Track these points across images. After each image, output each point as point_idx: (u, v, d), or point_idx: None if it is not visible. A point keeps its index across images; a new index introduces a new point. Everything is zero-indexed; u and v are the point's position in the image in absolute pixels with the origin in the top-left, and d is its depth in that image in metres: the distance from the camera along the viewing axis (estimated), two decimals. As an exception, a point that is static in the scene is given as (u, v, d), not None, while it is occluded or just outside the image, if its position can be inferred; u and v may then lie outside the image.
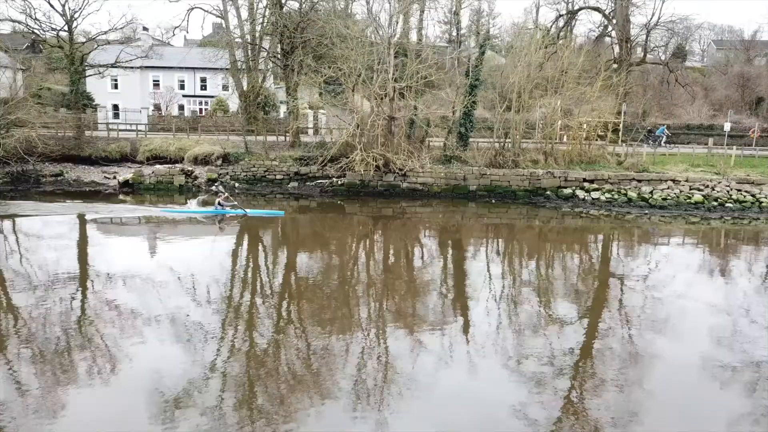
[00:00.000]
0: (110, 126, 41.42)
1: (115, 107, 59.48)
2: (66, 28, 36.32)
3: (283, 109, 44.40)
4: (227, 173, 33.46)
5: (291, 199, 32.30)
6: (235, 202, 26.61)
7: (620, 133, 46.31)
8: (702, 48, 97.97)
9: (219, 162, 33.96)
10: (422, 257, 22.12)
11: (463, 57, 39.38)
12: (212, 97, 56.02)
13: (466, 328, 14.14)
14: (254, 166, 33.68)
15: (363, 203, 31.37)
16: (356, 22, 33.11)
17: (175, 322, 13.80)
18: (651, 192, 30.71)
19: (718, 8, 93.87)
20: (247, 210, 26.50)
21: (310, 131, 41.78)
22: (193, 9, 40.37)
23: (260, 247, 23.69)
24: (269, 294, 17.16)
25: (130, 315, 14.18)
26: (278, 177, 33.56)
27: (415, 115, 33.18)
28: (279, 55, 35.34)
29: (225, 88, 50.75)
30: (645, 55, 47.61)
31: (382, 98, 30.28)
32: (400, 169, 31.47)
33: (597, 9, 45.90)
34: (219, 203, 25.91)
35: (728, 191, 30.64)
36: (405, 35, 64.92)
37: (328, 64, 31.39)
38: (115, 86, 62.62)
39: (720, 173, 32.60)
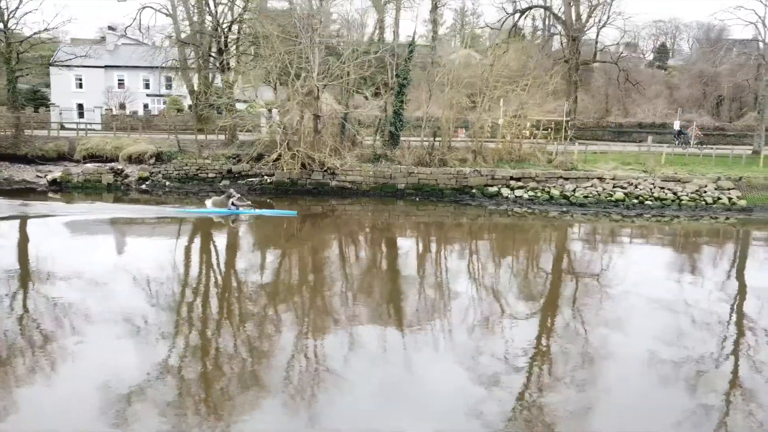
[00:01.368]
0: (53, 125, 41.80)
1: (80, 106, 59.65)
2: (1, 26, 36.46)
3: (239, 107, 44.66)
4: (159, 172, 33.67)
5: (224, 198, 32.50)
6: (249, 203, 26.86)
7: (566, 132, 46.73)
8: (690, 46, 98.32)
9: (152, 161, 34.19)
10: (355, 256, 22.12)
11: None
12: (182, 96, 56.21)
13: (401, 326, 14.09)
14: (186, 165, 33.92)
15: (292, 201, 31.53)
16: (284, 19, 33.16)
17: (118, 323, 13.68)
18: (574, 190, 30.95)
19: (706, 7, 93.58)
20: (260, 210, 26.76)
21: (264, 130, 42.04)
22: (144, 8, 40.59)
23: (196, 248, 23.37)
24: (201, 293, 17.01)
25: (77, 313, 14.17)
26: (210, 175, 33.78)
27: (346, 113, 33.45)
28: (215, 54, 35.49)
29: (168, 86, 50.92)
30: (595, 54, 47.84)
31: (306, 96, 30.48)
32: (327, 168, 31.69)
33: (546, 8, 46.16)
34: (233, 203, 26.14)
35: (651, 189, 30.87)
36: (380, 34, 65.78)
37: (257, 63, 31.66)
38: (80, 85, 62.95)
39: (647, 171, 32.85)
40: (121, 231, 24.90)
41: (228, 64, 34.20)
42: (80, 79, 62.09)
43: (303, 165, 31.04)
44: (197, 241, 24.36)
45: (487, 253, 23.20)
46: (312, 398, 10.48)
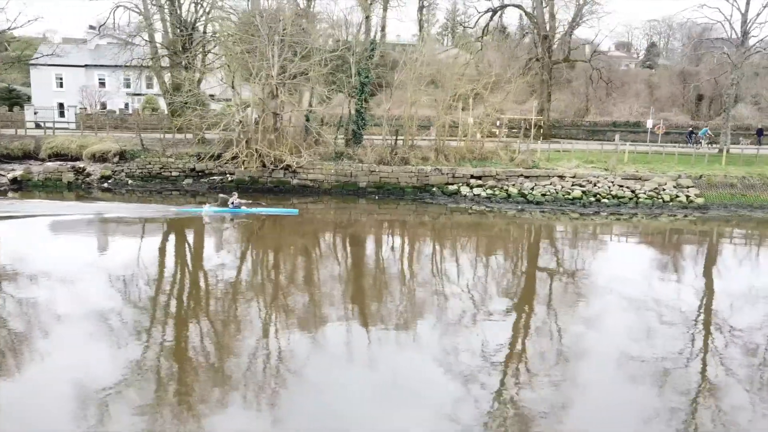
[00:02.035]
0: (29, 124, 41.92)
1: (61, 105, 59.77)
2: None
3: (216, 106, 44.66)
4: (122, 170, 33.75)
5: (188, 196, 32.58)
6: (250, 201, 27.14)
7: (540, 130, 46.85)
8: (683, 45, 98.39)
9: (116, 159, 34.25)
10: (320, 254, 22.05)
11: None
12: (159, 95, 56.24)
13: (368, 325, 14.14)
14: (150, 163, 34.00)
15: (253, 200, 31.59)
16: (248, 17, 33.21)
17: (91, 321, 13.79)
18: (532, 188, 31.05)
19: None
20: (261, 209, 26.82)
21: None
22: (118, 7, 40.60)
23: (157, 248, 23.09)
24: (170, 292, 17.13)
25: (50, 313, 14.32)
26: (174, 174, 33.87)
27: (310, 111, 33.55)
28: (179, 51, 35.53)
29: (149, 86, 50.96)
30: (568, 53, 47.90)
31: (266, 94, 30.58)
32: (288, 166, 31.77)
33: (519, 6, 46.24)
34: (232, 203, 26.34)
35: (609, 187, 30.97)
36: (367, 33, 65.76)
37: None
38: (60, 84, 63.07)
39: (608, 169, 32.96)
40: (104, 230, 25.07)
41: (192, 62, 34.25)
42: (60, 79, 62.21)
43: (264, 163, 31.08)
44: (159, 241, 24.31)
45: (452, 251, 23.16)
46: (281, 397, 10.54)
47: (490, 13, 46.52)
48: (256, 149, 30.67)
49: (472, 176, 32.38)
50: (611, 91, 51.33)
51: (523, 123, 45.69)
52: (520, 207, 29.89)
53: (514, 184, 31.61)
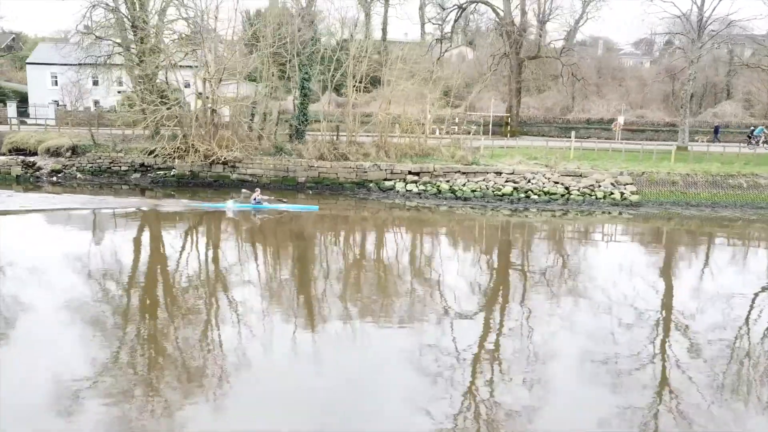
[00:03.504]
0: (14, 120, 43.58)
1: (56, 103, 61.71)
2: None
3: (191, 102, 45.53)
4: (73, 164, 34.79)
5: (137, 191, 33.40)
6: (272, 197, 27.63)
7: (508, 127, 46.67)
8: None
9: (69, 154, 35.32)
10: (263, 252, 22.11)
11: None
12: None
13: (314, 323, 14.17)
14: (100, 158, 34.96)
15: (193, 194, 32.25)
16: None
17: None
18: (464, 184, 30.97)
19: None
20: (281, 205, 27.31)
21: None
22: (95, 6, 41.69)
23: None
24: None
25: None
26: (123, 168, 34.76)
27: (254, 106, 34.08)
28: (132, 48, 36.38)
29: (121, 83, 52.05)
30: (539, 50, 47.43)
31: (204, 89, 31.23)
32: (227, 160, 32.35)
33: (485, 3, 45.94)
34: (254, 199, 26.89)
35: (544, 184, 30.72)
36: (369, 32, 66.42)
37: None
38: (55, 83, 65.14)
39: (549, 166, 32.67)
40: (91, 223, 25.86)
41: (141, 57, 35.01)
42: (56, 77, 64.18)
43: (204, 158, 31.69)
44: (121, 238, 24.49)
45: (393, 247, 23.25)
46: (249, 395, 10.53)
47: (458, 10, 46.27)
48: (192, 144, 31.28)
49: (410, 172, 32.44)
50: (585, 87, 50.51)
51: (485, 119, 45.65)
52: (445, 203, 29.89)
53: (448, 181, 31.58)
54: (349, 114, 33.73)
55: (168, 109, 31.05)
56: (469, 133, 42.80)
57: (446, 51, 47.58)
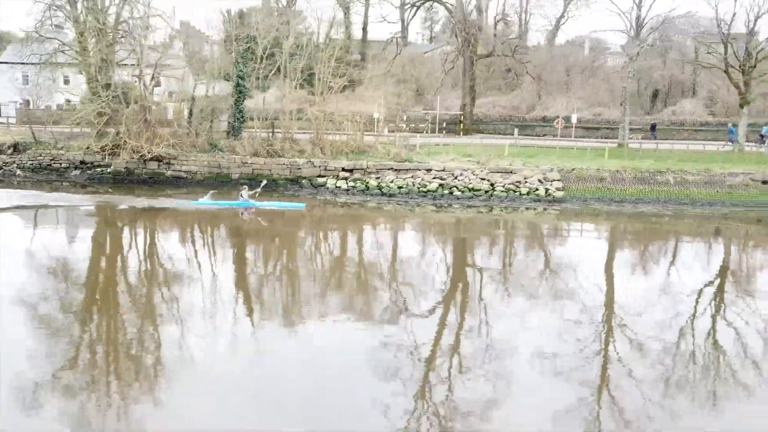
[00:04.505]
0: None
1: (28, 102, 62.22)
2: None
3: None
4: (14, 162, 35.20)
5: (78, 188, 33.71)
6: (257, 192, 27.36)
7: (461, 125, 46.97)
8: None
9: (10, 151, 35.74)
10: (202, 250, 21.95)
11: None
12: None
13: (254, 319, 14.38)
14: (41, 155, 35.38)
15: (128, 191, 32.55)
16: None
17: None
18: (392, 181, 31.25)
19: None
20: (268, 203, 27.37)
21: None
22: (50, 8, 42.02)
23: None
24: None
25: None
26: (63, 165, 35.16)
27: (192, 103, 34.44)
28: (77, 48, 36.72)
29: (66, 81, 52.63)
30: (494, 48, 47.66)
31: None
32: (160, 157, 32.71)
33: (438, 1, 46.18)
34: (241, 195, 26.98)
35: (470, 180, 30.97)
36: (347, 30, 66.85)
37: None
38: (26, 82, 65.67)
39: (480, 163, 32.91)
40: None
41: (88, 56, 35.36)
42: (27, 76, 64.63)
43: (134, 152, 32.02)
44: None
45: (333, 243, 23.67)
46: (202, 392, 10.68)
47: (411, 8, 46.54)
48: (125, 141, 31.64)
49: (344, 169, 32.72)
50: (541, 86, 50.72)
51: (441, 118, 46.05)
52: (372, 199, 30.14)
53: (378, 177, 31.85)
54: (286, 111, 34.02)
55: (101, 105, 31.35)
56: (418, 131, 43.26)
57: (401, 51, 47.85)
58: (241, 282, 17.75)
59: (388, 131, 41.20)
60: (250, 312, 14.94)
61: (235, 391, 10.59)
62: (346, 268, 19.70)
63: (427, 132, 45.37)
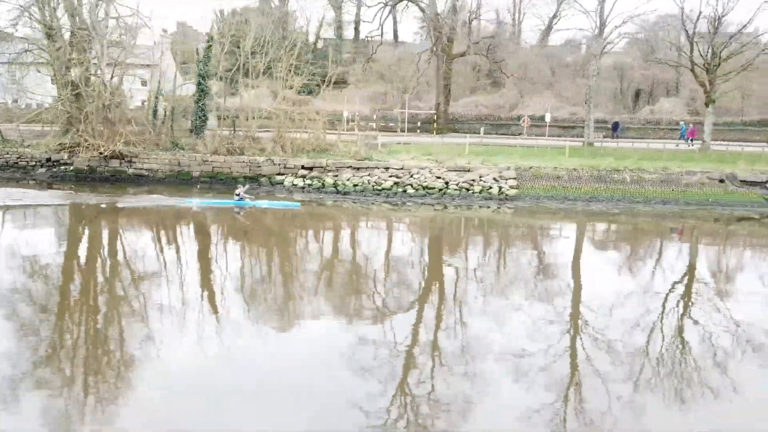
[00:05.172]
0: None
1: (16, 101, 62.93)
2: None
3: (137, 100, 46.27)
4: (-20, 159, 35.66)
5: (44, 186, 34.08)
6: (252, 195, 27.75)
7: (434, 124, 47.12)
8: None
9: (-23, 149, 36.17)
10: (168, 248, 22.00)
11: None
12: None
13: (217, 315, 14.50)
14: (7, 153, 35.79)
15: (92, 189, 32.83)
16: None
17: None
18: (348, 179, 31.45)
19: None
20: (263, 202, 27.58)
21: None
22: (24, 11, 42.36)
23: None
24: None
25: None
26: (30, 163, 35.53)
27: (156, 102, 34.80)
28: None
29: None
30: (469, 47, 47.77)
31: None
32: (122, 155, 33.08)
33: (411, 0, 46.36)
34: (237, 195, 27.07)
35: (426, 178, 31.12)
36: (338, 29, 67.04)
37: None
38: (13, 82, 66.40)
39: (439, 161, 33.06)
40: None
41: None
42: (14, 76, 65.30)
43: (88, 149, 32.34)
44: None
45: (291, 242, 23.77)
46: (176, 391, 10.68)
47: (386, 8, 46.73)
48: (84, 139, 32.02)
49: (303, 167, 32.93)
50: (516, 84, 50.77)
51: (417, 117, 46.26)
52: (327, 197, 30.35)
53: (336, 175, 32.06)
54: (247, 109, 34.32)
55: (61, 102, 31.77)
56: (391, 130, 43.45)
57: (375, 50, 48.06)
58: (204, 281, 17.71)
59: (359, 130, 41.43)
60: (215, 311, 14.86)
61: (210, 390, 10.54)
62: (308, 266, 19.75)
63: (398, 131, 45.59)
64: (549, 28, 71.71)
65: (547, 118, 46.50)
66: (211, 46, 34.34)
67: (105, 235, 24.49)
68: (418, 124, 47.81)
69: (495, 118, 50.72)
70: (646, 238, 25.49)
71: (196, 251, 21.75)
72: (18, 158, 35.67)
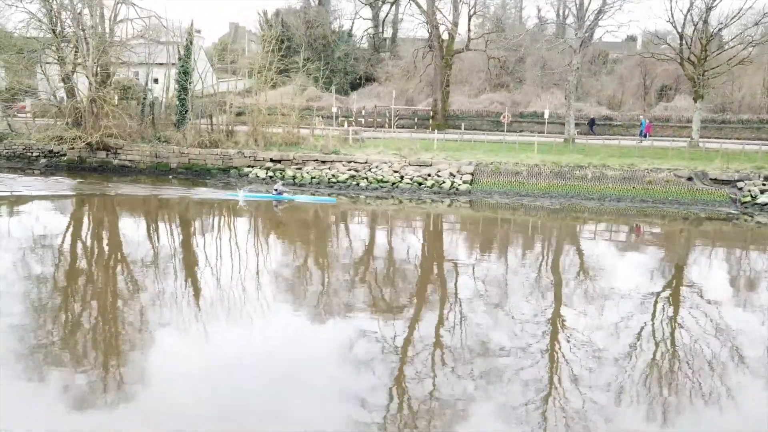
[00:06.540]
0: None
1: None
2: None
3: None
4: (-9, 150, 39.12)
5: (38, 175, 36.94)
6: (288, 189, 29.22)
7: (430, 120, 47.35)
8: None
9: (-13, 141, 39.67)
10: (156, 240, 23.05)
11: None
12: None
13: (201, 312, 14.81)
14: (15, 145, 39.08)
15: (82, 178, 35.52)
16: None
17: None
18: (308, 172, 32.45)
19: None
20: (299, 196, 28.81)
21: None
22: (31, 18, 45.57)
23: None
24: None
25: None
26: (35, 154, 38.67)
27: (144, 97, 37.07)
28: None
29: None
30: (468, 43, 47.57)
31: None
32: (107, 146, 35.51)
33: (409, -2, 46.68)
34: (275, 189, 28.62)
35: (382, 172, 31.69)
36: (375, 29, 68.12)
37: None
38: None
39: (402, 155, 33.50)
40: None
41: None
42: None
43: (73, 140, 34.85)
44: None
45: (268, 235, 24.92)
46: (175, 391, 10.92)
47: (383, 4, 47.28)
48: (69, 131, 34.64)
49: (272, 159, 34.24)
50: (515, 80, 50.06)
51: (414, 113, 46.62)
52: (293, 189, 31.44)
53: (300, 168, 33.14)
54: (228, 105, 36.00)
55: (48, 99, 34.46)
56: (381, 125, 44.00)
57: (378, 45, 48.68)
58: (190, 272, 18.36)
59: (347, 125, 42.29)
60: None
61: (210, 390, 10.78)
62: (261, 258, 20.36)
63: (389, 127, 46.07)
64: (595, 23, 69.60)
65: (546, 115, 45.80)
66: (191, 43, 36.15)
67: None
68: (415, 120, 48.13)
69: (495, 114, 50.21)
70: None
71: (182, 245, 22.45)
72: (24, 149, 38.86)
